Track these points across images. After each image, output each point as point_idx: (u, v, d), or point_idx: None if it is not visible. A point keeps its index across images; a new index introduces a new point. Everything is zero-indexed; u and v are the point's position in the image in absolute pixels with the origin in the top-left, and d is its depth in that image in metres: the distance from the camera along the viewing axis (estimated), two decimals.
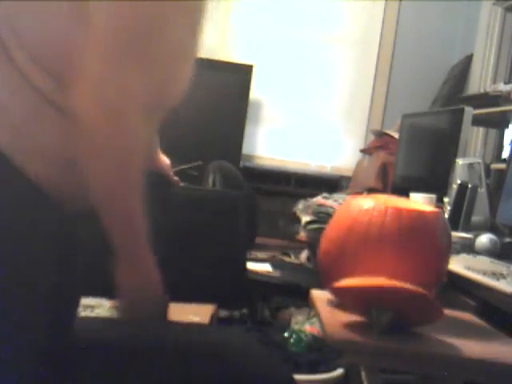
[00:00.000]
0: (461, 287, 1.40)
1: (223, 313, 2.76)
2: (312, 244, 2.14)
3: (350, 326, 1.08)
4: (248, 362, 1.20)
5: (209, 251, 1.46)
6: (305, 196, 2.52)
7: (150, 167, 1.32)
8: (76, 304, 0.96)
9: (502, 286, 1.25)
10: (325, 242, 1.25)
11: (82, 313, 2.54)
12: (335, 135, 3.74)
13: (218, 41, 3.64)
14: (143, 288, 0.89)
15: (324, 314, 1.16)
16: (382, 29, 3.70)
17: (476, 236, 1.71)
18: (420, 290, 1.01)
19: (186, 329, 1.39)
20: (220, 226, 1.51)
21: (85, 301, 1.61)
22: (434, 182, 2.25)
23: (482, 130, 3.13)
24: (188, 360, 1.17)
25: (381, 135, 3.25)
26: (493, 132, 3.12)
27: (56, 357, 0.81)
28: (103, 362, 1.06)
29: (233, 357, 1.22)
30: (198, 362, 1.11)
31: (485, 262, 1.54)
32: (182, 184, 1.47)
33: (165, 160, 1.39)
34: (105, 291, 1.41)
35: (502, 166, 2.33)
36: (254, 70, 3.39)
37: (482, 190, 1.96)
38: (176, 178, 1.42)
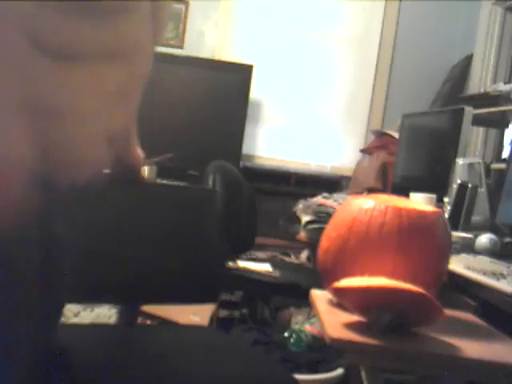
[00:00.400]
0: (461, 287, 1.40)
1: (223, 312, 2.77)
2: (312, 244, 2.14)
3: (350, 326, 1.08)
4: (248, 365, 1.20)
5: (180, 249, 1.46)
6: (305, 196, 2.52)
7: (122, 157, 1.23)
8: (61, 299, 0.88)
9: (502, 286, 1.25)
10: (325, 242, 1.25)
11: (82, 312, 2.54)
12: (335, 135, 3.74)
13: (218, 41, 3.64)
14: None
15: (324, 314, 1.16)
16: (382, 29, 3.71)
17: (476, 236, 1.71)
18: (420, 290, 1.01)
19: (184, 332, 1.39)
20: (189, 222, 1.50)
21: None
22: (434, 182, 2.25)
23: (482, 129, 3.13)
24: (186, 362, 1.17)
25: (381, 135, 3.25)
26: (493, 132, 3.13)
27: (39, 361, 0.76)
28: (89, 370, 1.05)
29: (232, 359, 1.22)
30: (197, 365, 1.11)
31: (485, 262, 1.54)
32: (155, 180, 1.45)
33: (139, 154, 1.32)
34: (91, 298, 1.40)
35: (502, 166, 2.33)
36: (254, 69, 3.39)
37: (482, 190, 1.96)
38: (143, 174, 1.36)
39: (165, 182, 3.07)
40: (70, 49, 0.69)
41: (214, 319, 2.65)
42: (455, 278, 1.39)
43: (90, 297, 1.39)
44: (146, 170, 3.02)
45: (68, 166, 0.78)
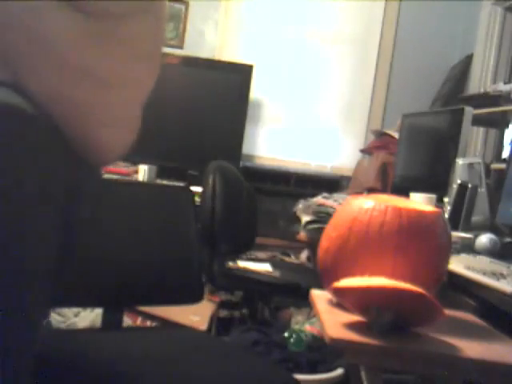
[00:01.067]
0: (461, 287, 1.40)
1: (223, 312, 2.77)
2: (312, 244, 2.14)
3: (350, 326, 1.08)
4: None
5: (158, 249, 1.45)
6: (305, 196, 2.52)
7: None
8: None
9: (502, 286, 1.25)
10: (325, 242, 1.25)
11: (82, 313, 2.54)
12: (335, 135, 3.74)
13: (218, 41, 3.64)
14: None
15: (324, 314, 1.16)
16: (382, 29, 3.70)
17: (476, 236, 1.71)
18: (420, 290, 1.01)
19: (181, 335, 1.38)
20: (166, 221, 1.49)
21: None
22: (434, 182, 2.25)
23: (482, 129, 3.13)
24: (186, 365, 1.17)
25: (381, 135, 3.25)
26: (493, 132, 3.12)
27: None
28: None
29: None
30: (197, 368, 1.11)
31: (485, 262, 1.54)
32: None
33: None
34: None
35: (502, 166, 2.33)
36: (254, 69, 3.39)
37: (482, 190, 1.96)
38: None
39: (165, 182, 3.07)
40: (106, 8, 0.71)
41: (214, 319, 2.65)
42: (455, 277, 1.39)
43: (72, 300, 1.38)
44: (145, 170, 3.02)
45: (106, 131, 0.82)
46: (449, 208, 1.92)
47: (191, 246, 1.51)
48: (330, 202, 2.27)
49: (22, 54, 0.63)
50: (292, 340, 2.06)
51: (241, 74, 3.39)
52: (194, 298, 1.51)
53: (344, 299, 1.13)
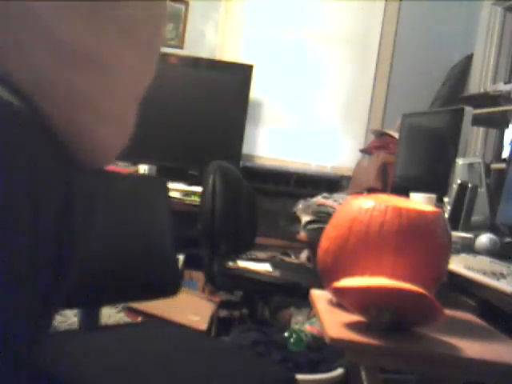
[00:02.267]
0: (461, 287, 1.40)
1: (223, 312, 2.77)
2: (312, 244, 2.14)
3: (350, 326, 1.08)
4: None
5: (130, 242, 1.42)
6: (305, 196, 2.52)
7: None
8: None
9: (502, 285, 1.25)
10: (325, 242, 1.25)
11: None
12: (335, 135, 3.74)
13: (218, 41, 3.64)
14: None
15: (324, 314, 1.16)
16: (382, 29, 3.70)
17: (476, 236, 1.71)
18: (420, 290, 1.01)
19: (183, 334, 1.38)
20: (138, 212, 1.46)
21: None
22: (434, 182, 2.25)
23: (482, 129, 3.13)
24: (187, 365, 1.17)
25: (381, 135, 3.25)
26: (493, 132, 3.12)
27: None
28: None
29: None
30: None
31: (485, 262, 1.54)
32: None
33: None
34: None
35: (502, 166, 2.33)
36: (254, 69, 3.39)
37: (482, 190, 1.96)
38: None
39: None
40: None
41: (214, 319, 2.65)
42: (455, 277, 1.39)
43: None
44: (145, 170, 3.02)
45: (104, 127, 0.77)
46: (449, 208, 1.92)
47: (165, 238, 1.48)
48: (329, 202, 2.27)
49: (6, 34, 0.54)
50: (292, 340, 2.07)
51: (241, 74, 3.39)
52: (170, 290, 1.47)
53: (344, 299, 1.13)
